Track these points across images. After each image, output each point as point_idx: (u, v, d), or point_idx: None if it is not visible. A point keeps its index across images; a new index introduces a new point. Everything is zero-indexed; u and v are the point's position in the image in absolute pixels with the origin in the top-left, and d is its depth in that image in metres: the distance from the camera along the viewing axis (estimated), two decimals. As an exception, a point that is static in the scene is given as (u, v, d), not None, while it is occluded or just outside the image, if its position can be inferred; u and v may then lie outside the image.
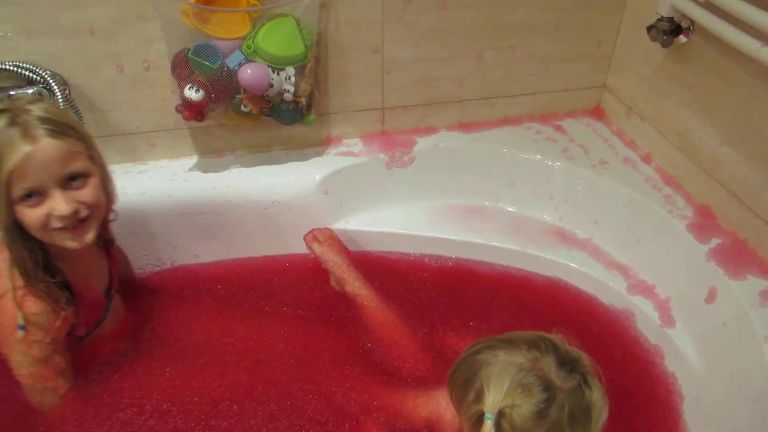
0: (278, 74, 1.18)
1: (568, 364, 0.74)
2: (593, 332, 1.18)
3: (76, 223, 0.91)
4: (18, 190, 0.86)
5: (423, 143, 1.43)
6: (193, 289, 1.30)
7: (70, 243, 0.92)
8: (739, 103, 1.09)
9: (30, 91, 1.16)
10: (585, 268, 1.27)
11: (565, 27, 1.39)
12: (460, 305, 1.23)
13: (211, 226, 1.34)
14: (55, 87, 1.17)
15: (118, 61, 1.21)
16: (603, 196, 1.33)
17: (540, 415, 0.70)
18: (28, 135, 0.85)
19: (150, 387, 1.07)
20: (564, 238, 1.34)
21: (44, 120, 0.87)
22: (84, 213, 0.91)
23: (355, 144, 1.43)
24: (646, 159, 1.37)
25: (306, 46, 1.19)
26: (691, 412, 1.03)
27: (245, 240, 1.37)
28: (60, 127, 0.88)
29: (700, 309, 1.10)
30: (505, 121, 1.51)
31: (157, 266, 1.34)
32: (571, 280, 1.29)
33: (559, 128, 1.49)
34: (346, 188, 1.37)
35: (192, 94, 1.15)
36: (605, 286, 1.24)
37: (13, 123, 0.86)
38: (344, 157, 1.39)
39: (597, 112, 1.55)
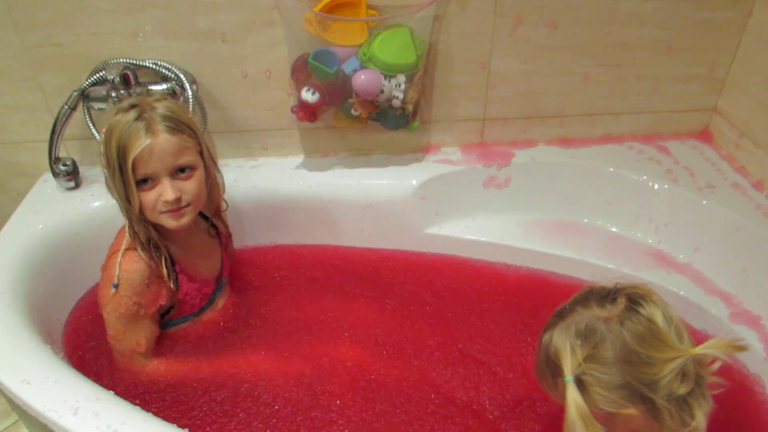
0: (389, 81, 1.23)
1: (607, 295, 0.77)
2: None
3: (178, 207, 1.03)
4: (136, 176, 0.98)
5: (521, 156, 1.44)
6: (291, 268, 1.36)
7: (171, 223, 1.03)
8: None
9: (164, 86, 1.29)
10: (684, 292, 1.24)
11: (678, 47, 1.37)
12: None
13: (311, 220, 1.41)
14: (186, 84, 1.28)
15: (243, 63, 1.31)
16: (708, 221, 1.29)
17: (608, 352, 0.73)
18: (150, 130, 0.98)
19: (244, 369, 1.13)
20: (663, 260, 1.31)
21: (165, 117, 0.99)
22: (186, 201, 1.03)
23: (453, 152, 1.46)
24: (758, 186, 1.32)
25: (417, 56, 1.24)
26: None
27: (341, 236, 1.43)
28: (177, 125, 1.00)
29: (813, 345, 1.04)
30: (607, 139, 1.50)
31: (257, 243, 1.42)
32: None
33: (663, 149, 1.46)
34: (442, 195, 1.41)
35: (308, 96, 1.23)
36: (705, 313, 1.20)
37: (140, 118, 0.98)
38: (442, 164, 1.43)
39: (704, 135, 1.50)
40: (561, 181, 1.43)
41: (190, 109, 1.28)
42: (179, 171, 1.02)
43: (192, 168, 1.04)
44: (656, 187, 1.36)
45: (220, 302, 1.24)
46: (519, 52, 1.34)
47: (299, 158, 1.46)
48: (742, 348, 0.74)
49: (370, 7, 1.21)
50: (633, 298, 0.77)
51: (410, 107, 1.29)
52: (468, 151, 1.46)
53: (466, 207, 1.43)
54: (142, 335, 1.07)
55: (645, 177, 1.37)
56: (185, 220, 1.04)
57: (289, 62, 1.27)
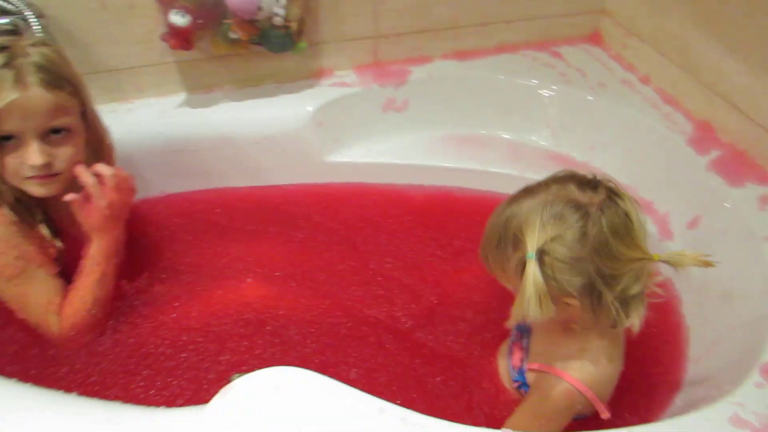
0: (266, -3, 1.13)
1: (589, 183, 0.75)
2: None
3: (47, 174, 0.89)
4: None
5: (417, 73, 1.39)
6: (185, 216, 1.26)
7: (36, 190, 0.90)
8: (742, 12, 1.07)
9: (2, 21, 1.11)
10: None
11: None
12: (457, 228, 1.22)
13: (203, 162, 1.31)
14: (31, 18, 1.12)
15: (98, -11, 1.16)
16: (601, 118, 1.31)
17: (580, 236, 0.71)
18: (19, 80, 0.83)
19: (157, 322, 1.05)
20: (562, 161, 1.33)
21: (41, 68, 0.85)
22: (57, 168, 0.89)
23: (347, 75, 1.39)
24: (645, 80, 1.35)
25: (294, -33, 1.15)
26: (691, 314, 1.04)
27: (239, 176, 1.34)
28: (55, 79, 0.86)
29: (699, 220, 1.10)
30: (501, 48, 1.47)
31: (144, 195, 1.29)
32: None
33: (556, 54, 1.46)
34: (340, 120, 1.34)
35: (178, 19, 1.11)
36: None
37: (8, 64, 0.83)
38: (337, 87, 1.35)
39: (594, 38, 1.51)
40: (459, 96, 1.40)
41: (41, 47, 1.12)
42: (52, 132, 0.87)
43: (68, 131, 0.89)
44: (549, 92, 1.37)
45: None
46: (404, -40, 1.27)
47: (180, 96, 1.33)
48: (708, 264, 0.73)
49: None
50: (613, 190, 0.74)
51: (294, 26, 1.19)
52: (363, 72, 1.39)
53: (366, 130, 1.38)
54: (51, 293, 0.94)
55: (538, 82, 1.37)
56: (54, 188, 0.91)
57: (151, -16, 1.14)
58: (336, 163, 1.34)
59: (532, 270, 0.71)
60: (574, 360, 0.81)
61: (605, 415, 0.81)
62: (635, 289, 0.74)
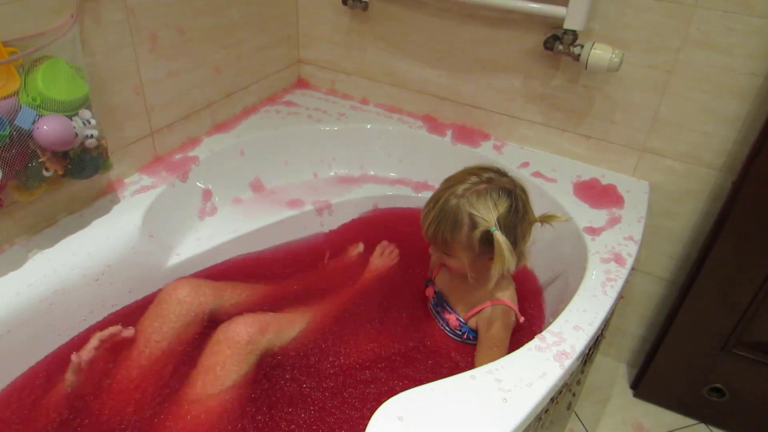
0: (76, 121, 1.03)
1: (500, 171, 1.08)
2: (399, 227, 1.54)
3: None
4: None
5: (201, 153, 1.44)
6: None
7: None
8: (426, 37, 1.55)
9: None
10: (376, 193, 1.58)
11: (267, 17, 1.59)
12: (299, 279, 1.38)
13: (35, 335, 1.08)
14: None
15: None
16: (360, 139, 1.63)
17: (515, 210, 1.03)
18: None
19: None
20: (347, 181, 1.60)
21: None
22: None
23: (139, 179, 1.33)
24: (365, 102, 1.74)
25: (87, 84, 1.07)
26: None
27: (82, 324, 1.15)
28: None
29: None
30: (246, 112, 1.63)
31: None
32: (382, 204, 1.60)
33: (289, 103, 1.71)
34: (163, 223, 1.29)
35: (-13, 176, 0.91)
36: (398, 197, 1.59)
37: None
38: (142, 194, 1.29)
39: (301, 84, 1.82)
40: (243, 161, 1.51)
41: None
42: None
43: None
44: (312, 134, 1.61)
45: None
46: (160, 56, 1.30)
47: (-36, 273, 1.05)
48: (566, 219, 1.17)
49: (6, 44, 0.95)
50: (502, 171, 1.07)
51: (105, 142, 1.11)
52: (152, 171, 1.36)
53: (186, 222, 1.36)
54: None
55: (299, 128, 1.60)
56: None
57: None
58: (174, 267, 1.29)
59: (502, 237, 0.99)
60: (495, 291, 1.12)
61: (522, 318, 1.14)
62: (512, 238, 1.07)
